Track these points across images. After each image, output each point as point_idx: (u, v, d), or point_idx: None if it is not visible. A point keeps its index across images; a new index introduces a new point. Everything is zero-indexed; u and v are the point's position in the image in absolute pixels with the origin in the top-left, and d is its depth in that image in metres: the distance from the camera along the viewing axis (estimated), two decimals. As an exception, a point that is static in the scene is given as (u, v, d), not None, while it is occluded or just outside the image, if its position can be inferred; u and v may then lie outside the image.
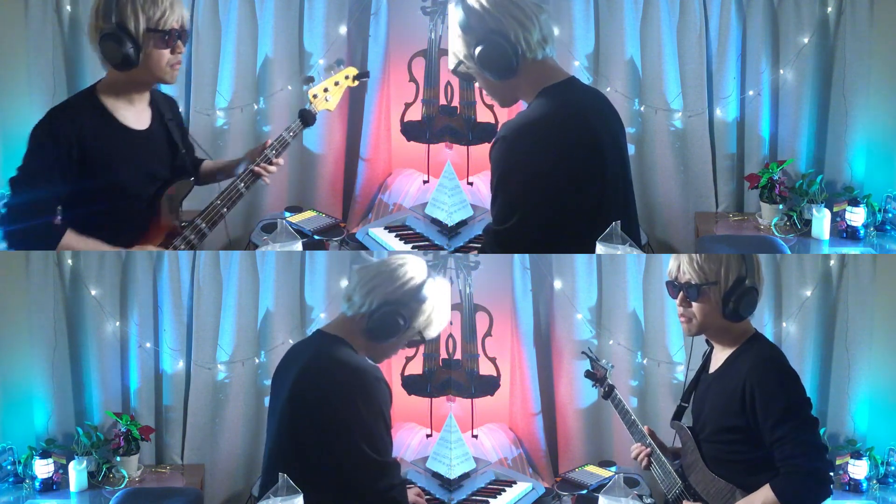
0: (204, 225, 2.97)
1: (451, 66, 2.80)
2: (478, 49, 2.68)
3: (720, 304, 2.71)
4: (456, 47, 2.75)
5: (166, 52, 2.82)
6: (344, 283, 3.71)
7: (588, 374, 3.15)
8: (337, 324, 2.89)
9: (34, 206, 2.80)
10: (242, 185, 2.99)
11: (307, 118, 3.05)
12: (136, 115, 2.91)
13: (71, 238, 2.82)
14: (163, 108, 2.99)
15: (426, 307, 2.85)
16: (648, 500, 3.46)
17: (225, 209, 2.97)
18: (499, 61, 2.68)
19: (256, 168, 3.00)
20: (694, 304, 2.73)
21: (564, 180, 2.66)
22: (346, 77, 3.10)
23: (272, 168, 3.04)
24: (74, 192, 2.82)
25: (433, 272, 2.86)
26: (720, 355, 2.80)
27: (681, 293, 2.74)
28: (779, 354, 2.74)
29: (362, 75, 3.12)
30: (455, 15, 2.74)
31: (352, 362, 2.79)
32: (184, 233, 2.97)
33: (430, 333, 2.91)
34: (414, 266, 2.86)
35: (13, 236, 2.85)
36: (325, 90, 3.06)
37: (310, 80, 3.06)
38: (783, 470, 2.61)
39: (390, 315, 2.80)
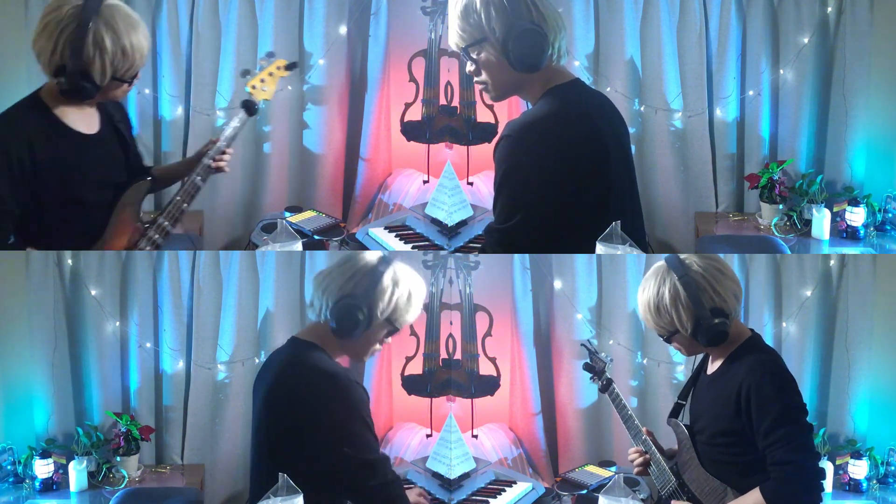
0: (167, 223, 2.95)
1: (461, 41, 2.70)
2: (515, 35, 2.63)
3: (693, 341, 2.71)
4: (480, 20, 2.66)
5: (125, 86, 2.76)
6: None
7: (586, 367, 3.15)
8: (310, 329, 2.83)
9: None
10: (199, 178, 2.96)
11: (250, 108, 3.06)
12: (84, 119, 2.79)
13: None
14: (111, 110, 2.89)
15: (385, 295, 2.74)
16: (642, 496, 3.45)
17: (185, 204, 2.95)
18: (531, 56, 2.65)
19: (213, 162, 2.98)
20: (675, 342, 2.76)
21: (568, 179, 2.65)
22: (278, 68, 3.12)
23: (226, 157, 3.01)
24: (30, 206, 2.71)
25: (389, 259, 2.78)
26: (718, 358, 2.79)
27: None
28: (776, 358, 2.72)
29: (291, 66, 3.16)
30: None
31: (324, 367, 2.73)
32: (147, 233, 2.93)
33: (403, 320, 2.80)
34: (363, 256, 2.78)
35: None
36: (262, 81, 3.09)
37: (247, 72, 3.13)
38: (774, 474, 2.59)
39: (347, 307, 2.71)
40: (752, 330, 2.79)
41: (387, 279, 2.75)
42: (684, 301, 2.65)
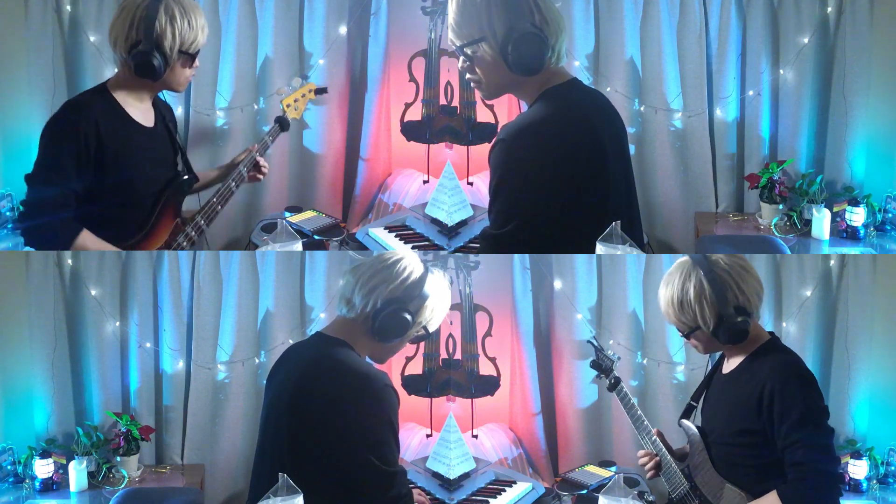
0: (203, 222, 3.14)
1: (458, 38, 2.65)
2: (515, 38, 2.57)
3: (712, 339, 2.69)
4: (480, 19, 2.60)
5: (188, 69, 3.01)
6: (341, 282, 3.71)
7: (594, 365, 3.10)
8: (337, 326, 2.75)
9: (53, 202, 2.86)
10: (234, 184, 3.21)
11: (284, 124, 3.37)
12: (143, 112, 3.02)
13: (86, 238, 2.90)
14: (163, 111, 3.11)
15: (429, 302, 2.73)
16: (651, 498, 3.44)
17: (220, 206, 3.18)
18: (530, 60, 2.60)
19: (250, 173, 3.27)
20: (693, 339, 2.75)
21: (566, 183, 2.60)
22: (310, 91, 3.45)
23: (263, 169, 3.30)
24: (87, 188, 2.89)
25: (429, 265, 2.77)
26: (735, 358, 2.76)
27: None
28: (799, 360, 2.70)
29: (321, 90, 3.49)
30: None
31: (359, 368, 2.65)
32: (185, 229, 3.10)
33: (433, 326, 2.79)
34: (410, 261, 2.72)
35: (31, 233, 2.94)
36: (295, 101, 3.42)
37: (281, 91, 3.43)
38: (792, 476, 2.57)
39: (397, 314, 2.67)
40: (770, 332, 2.77)
41: (430, 286, 2.72)
42: (709, 297, 2.63)
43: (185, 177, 3.11)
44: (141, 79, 2.95)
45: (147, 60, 2.90)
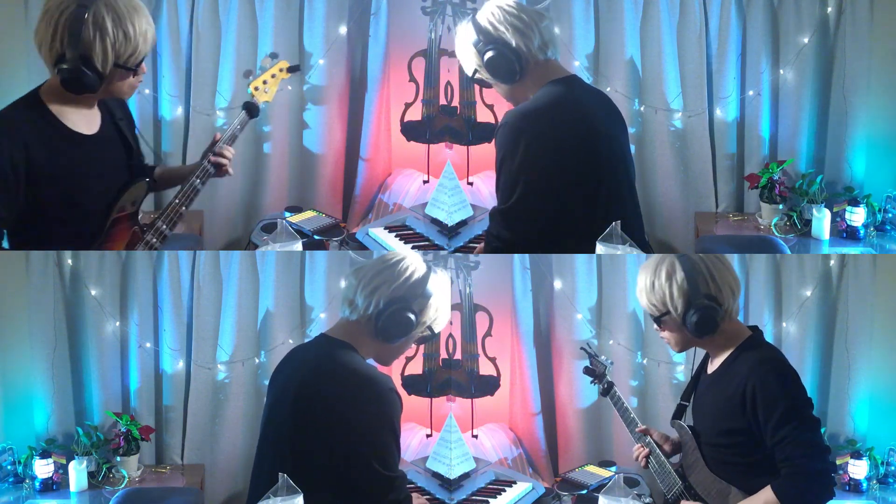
0: (165, 226, 2.85)
1: (469, 73, 2.96)
2: (485, 58, 2.87)
3: (682, 329, 2.70)
4: (470, 60, 2.93)
5: (130, 78, 2.66)
6: (343, 284, 3.71)
7: (587, 371, 3.15)
8: (341, 328, 2.72)
9: None
10: (198, 181, 2.88)
11: (252, 110, 3.01)
12: (85, 118, 2.69)
13: None
14: (112, 108, 2.78)
15: (433, 301, 2.69)
16: (647, 500, 3.45)
17: (183, 207, 2.86)
18: (504, 67, 2.87)
19: (213, 158, 2.90)
20: (665, 330, 2.75)
21: (560, 166, 2.78)
22: (280, 70, 3.09)
23: (227, 159, 2.93)
24: (26, 211, 2.60)
25: (432, 265, 2.76)
26: (718, 357, 2.78)
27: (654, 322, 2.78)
28: (779, 355, 2.72)
29: (293, 68, 3.13)
30: (468, 34, 2.91)
31: (363, 371, 2.63)
32: (144, 237, 2.84)
33: (438, 327, 2.76)
34: (413, 260, 2.70)
35: None
36: (264, 82, 3.06)
37: (249, 73, 3.09)
38: (785, 471, 2.59)
39: (400, 313, 2.64)
40: (752, 328, 2.77)
41: (433, 285, 2.70)
42: (679, 280, 2.66)
43: (142, 180, 2.80)
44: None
45: (74, 77, 2.54)
